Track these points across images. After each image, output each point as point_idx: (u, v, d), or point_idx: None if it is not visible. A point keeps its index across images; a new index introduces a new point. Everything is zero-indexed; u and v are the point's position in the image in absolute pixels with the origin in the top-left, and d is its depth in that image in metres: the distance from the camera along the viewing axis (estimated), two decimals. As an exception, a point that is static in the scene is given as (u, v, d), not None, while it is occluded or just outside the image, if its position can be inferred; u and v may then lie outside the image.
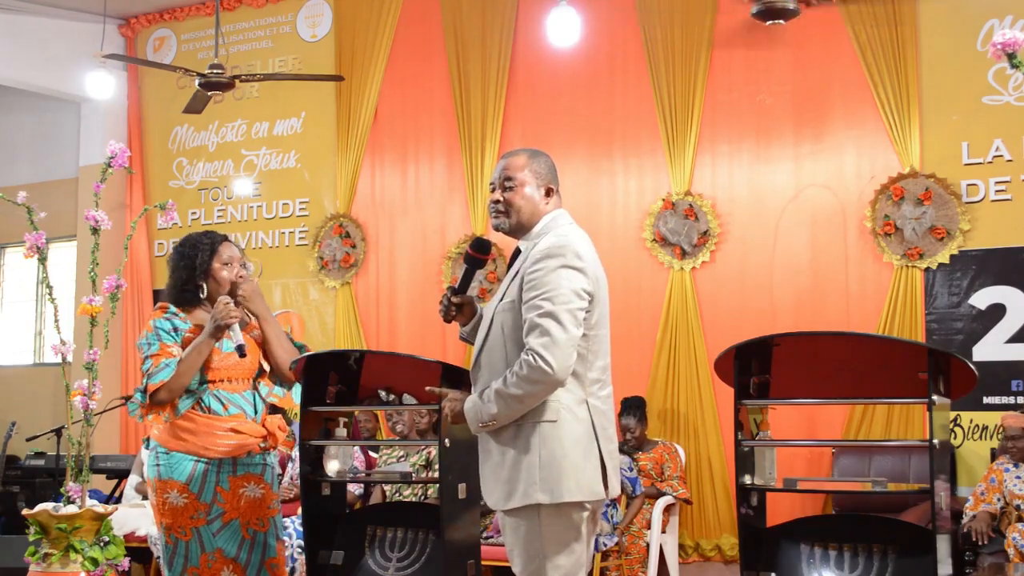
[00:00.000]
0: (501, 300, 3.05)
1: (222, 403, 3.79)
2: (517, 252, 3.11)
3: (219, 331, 3.69)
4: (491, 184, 3.14)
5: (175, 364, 3.70)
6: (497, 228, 3.13)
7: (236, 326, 3.69)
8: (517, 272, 3.03)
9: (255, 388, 3.90)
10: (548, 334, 2.85)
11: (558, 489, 2.89)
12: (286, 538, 5.78)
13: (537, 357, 2.83)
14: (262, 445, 3.84)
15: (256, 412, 3.87)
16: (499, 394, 2.90)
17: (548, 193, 3.10)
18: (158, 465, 3.79)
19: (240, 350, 3.69)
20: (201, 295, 3.82)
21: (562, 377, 2.86)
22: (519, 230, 3.10)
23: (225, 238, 3.91)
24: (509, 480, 2.94)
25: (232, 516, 3.77)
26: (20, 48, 8.94)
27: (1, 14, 8.79)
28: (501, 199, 3.09)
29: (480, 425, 2.97)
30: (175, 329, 3.79)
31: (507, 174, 3.09)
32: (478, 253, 3.23)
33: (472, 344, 3.19)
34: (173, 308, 3.83)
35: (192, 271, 3.82)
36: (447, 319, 3.25)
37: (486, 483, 3.04)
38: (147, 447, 3.91)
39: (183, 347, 3.75)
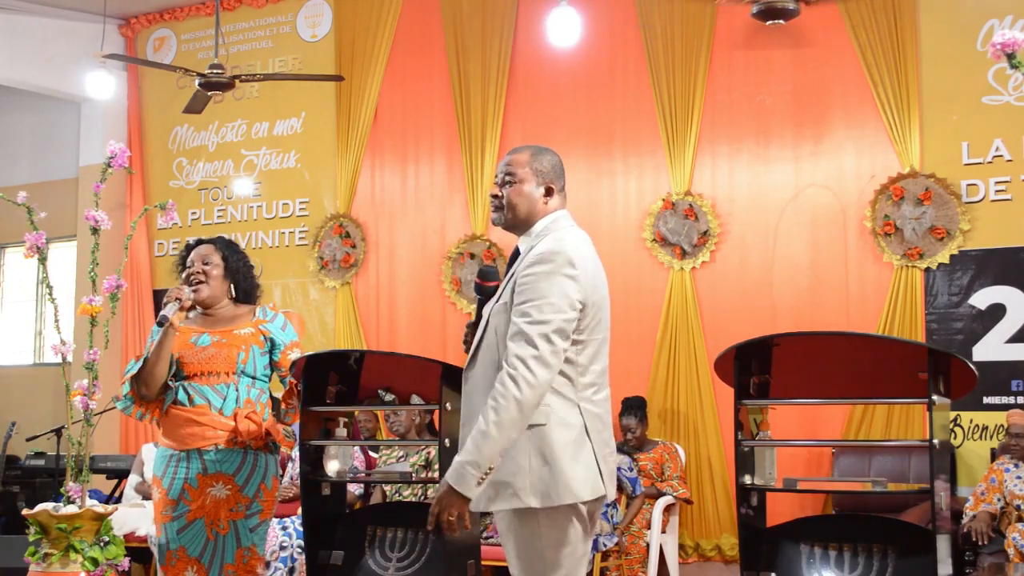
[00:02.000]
0: (497, 302, 2.99)
1: (188, 395, 3.85)
2: (517, 252, 3.06)
3: (171, 313, 3.81)
4: (495, 178, 3.09)
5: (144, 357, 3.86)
6: (495, 223, 3.09)
7: (172, 304, 3.79)
8: (512, 274, 2.97)
9: (237, 382, 3.91)
10: (533, 345, 2.79)
11: (548, 493, 2.84)
12: (275, 539, 5.77)
13: (521, 365, 2.77)
14: (235, 440, 3.83)
15: (225, 404, 3.86)
16: (488, 428, 2.75)
17: (548, 192, 3.04)
18: (154, 462, 3.89)
19: (160, 321, 3.77)
20: None
21: (543, 389, 2.80)
22: (516, 227, 3.05)
23: (199, 242, 4.04)
24: (494, 483, 2.85)
25: (197, 515, 3.80)
26: (20, 48, 8.94)
27: (1, 14, 8.79)
28: (500, 194, 3.04)
29: (481, 476, 2.76)
30: None
31: (508, 170, 3.03)
32: (486, 282, 3.13)
33: None
34: None
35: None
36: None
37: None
38: None
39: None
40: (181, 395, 3.85)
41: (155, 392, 3.83)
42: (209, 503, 3.81)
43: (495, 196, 3.05)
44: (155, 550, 3.96)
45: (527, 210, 3.02)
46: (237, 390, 3.89)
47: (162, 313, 3.77)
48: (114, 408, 7.67)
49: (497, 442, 2.75)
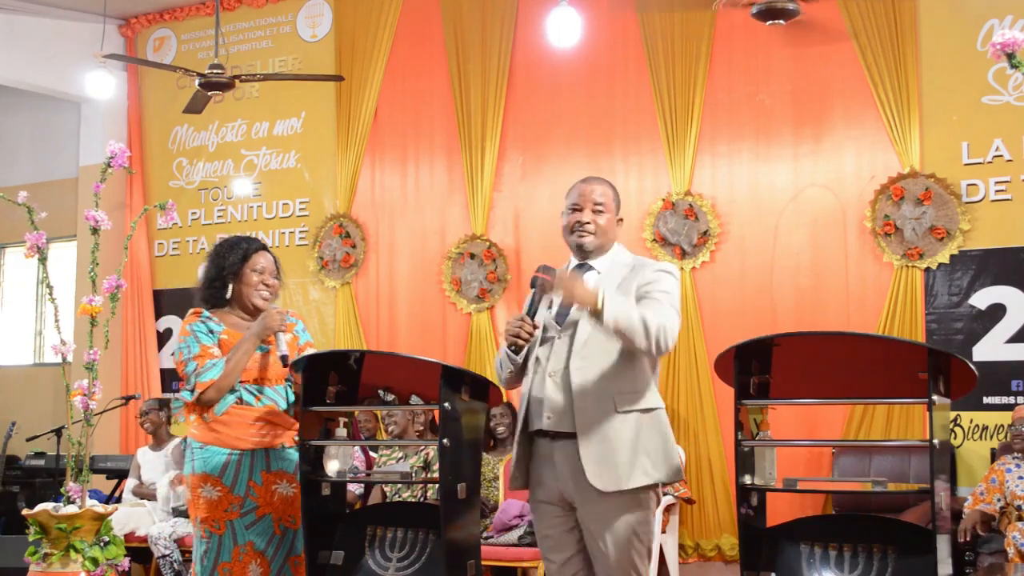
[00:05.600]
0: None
1: (254, 395, 3.88)
2: (580, 267, 3.44)
3: (265, 334, 3.84)
4: (575, 205, 3.44)
5: (223, 364, 3.82)
6: (581, 246, 3.44)
7: (282, 336, 3.85)
8: (622, 281, 3.36)
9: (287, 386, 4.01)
10: (675, 319, 3.29)
11: (671, 470, 3.31)
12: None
13: (670, 325, 3.25)
14: (296, 438, 3.90)
15: (287, 405, 3.95)
16: (644, 319, 3.18)
17: (620, 221, 3.54)
18: (193, 460, 3.86)
19: (283, 360, 3.83)
20: (226, 295, 3.95)
21: (671, 345, 3.27)
22: (598, 250, 3.45)
23: (264, 247, 4.05)
24: (629, 463, 3.23)
25: (266, 511, 3.84)
26: (20, 48, 8.94)
27: (1, 14, 8.79)
28: (591, 220, 3.42)
29: (611, 320, 3.14)
30: (210, 331, 3.91)
31: (599, 200, 3.45)
32: (546, 275, 3.34)
33: (515, 357, 3.37)
34: (206, 312, 3.95)
35: (222, 269, 3.96)
36: (521, 347, 3.35)
37: (598, 467, 3.23)
38: (184, 447, 3.99)
39: (220, 348, 3.86)
40: (247, 396, 3.87)
41: (220, 397, 3.85)
42: (277, 500, 3.87)
43: (587, 222, 3.43)
44: (193, 547, 3.93)
45: (610, 235, 3.49)
46: (289, 392, 3.97)
47: (284, 353, 3.82)
48: (114, 408, 7.73)
49: (630, 323, 3.17)
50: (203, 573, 3.82)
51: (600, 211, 3.43)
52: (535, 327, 3.32)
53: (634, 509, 3.26)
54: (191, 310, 3.98)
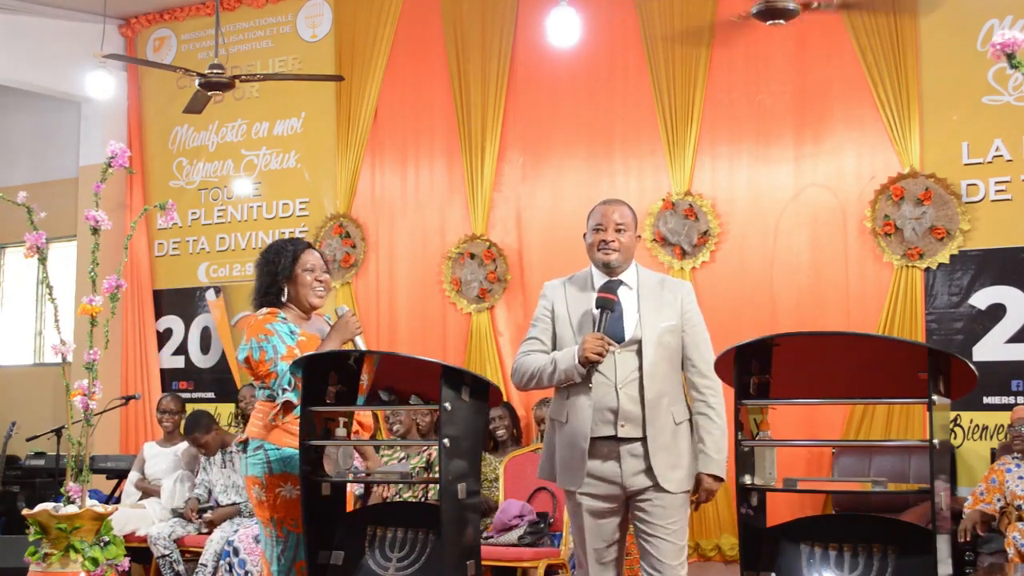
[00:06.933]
0: (662, 321, 3.78)
1: None
2: (607, 285, 3.76)
3: (347, 339, 3.99)
4: (600, 225, 3.82)
5: None
6: (607, 263, 3.80)
7: (359, 340, 4.03)
8: (661, 302, 3.81)
9: None
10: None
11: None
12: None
13: (720, 389, 3.75)
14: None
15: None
16: (722, 431, 3.72)
17: (638, 238, 3.92)
18: (269, 462, 3.88)
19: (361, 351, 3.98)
20: (282, 298, 4.02)
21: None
22: (620, 266, 3.82)
23: (309, 245, 4.12)
24: (688, 466, 3.71)
25: None
26: (20, 48, 8.93)
27: (1, 14, 8.79)
28: (615, 239, 3.80)
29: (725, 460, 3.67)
30: (291, 332, 3.96)
31: (621, 220, 3.83)
32: (610, 295, 3.73)
33: (583, 371, 3.69)
34: (281, 313, 3.99)
35: (275, 275, 4.02)
36: (598, 364, 3.69)
37: (669, 471, 3.67)
38: (244, 450, 3.98)
39: (299, 350, 3.91)
40: None
41: None
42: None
43: (612, 240, 3.80)
44: (266, 547, 3.95)
45: (631, 253, 3.89)
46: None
47: (362, 349, 3.98)
48: (114, 408, 7.74)
49: (724, 436, 3.73)
50: (280, 572, 3.86)
51: (622, 229, 3.81)
52: (611, 344, 3.67)
53: (686, 504, 3.76)
54: (265, 310, 3.99)
